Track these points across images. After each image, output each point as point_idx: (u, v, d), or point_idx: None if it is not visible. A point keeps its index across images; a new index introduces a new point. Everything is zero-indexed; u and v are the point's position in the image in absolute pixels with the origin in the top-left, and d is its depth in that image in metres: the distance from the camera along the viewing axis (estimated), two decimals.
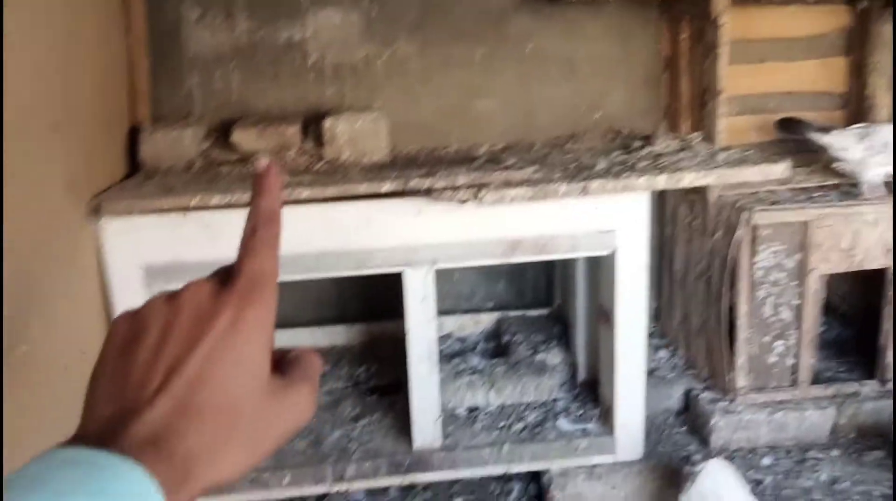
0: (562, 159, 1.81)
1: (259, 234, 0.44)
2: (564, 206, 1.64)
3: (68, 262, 1.42)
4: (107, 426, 0.37)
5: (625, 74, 2.17)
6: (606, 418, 1.82)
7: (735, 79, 1.99)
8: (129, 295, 1.55)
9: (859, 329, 2.22)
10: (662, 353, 2.20)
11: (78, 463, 0.33)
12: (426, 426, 1.72)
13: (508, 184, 1.55)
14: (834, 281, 2.27)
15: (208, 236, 1.58)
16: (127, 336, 0.40)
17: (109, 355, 0.40)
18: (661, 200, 2.20)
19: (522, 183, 1.55)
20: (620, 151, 1.81)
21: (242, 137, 1.83)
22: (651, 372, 2.13)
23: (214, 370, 0.38)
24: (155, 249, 1.55)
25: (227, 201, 1.53)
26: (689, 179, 1.57)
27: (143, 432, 0.36)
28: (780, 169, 1.56)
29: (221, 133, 1.92)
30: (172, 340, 0.39)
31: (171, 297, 0.41)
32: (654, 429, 1.99)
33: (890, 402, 1.93)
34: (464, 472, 1.74)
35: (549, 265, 2.32)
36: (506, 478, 1.81)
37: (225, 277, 0.43)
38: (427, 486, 1.77)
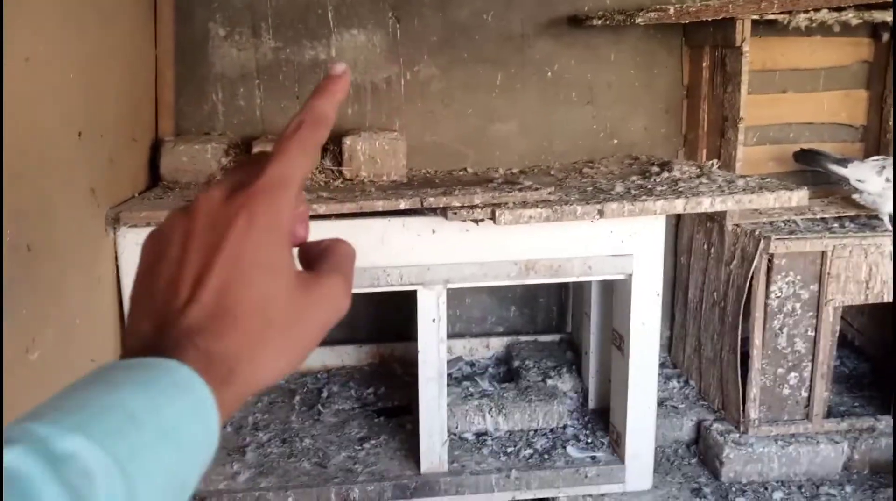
0: (579, 183, 1.81)
1: (300, 134, 0.43)
2: (580, 228, 1.64)
3: (86, 270, 1.44)
4: (145, 340, 0.38)
5: (645, 101, 2.18)
6: (617, 446, 1.80)
7: (755, 108, 2.00)
8: None
9: (875, 363, 2.19)
10: (674, 383, 2.18)
11: (126, 367, 0.35)
12: (433, 450, 1.70)
13: (525, 204, 1.56)
14: (849, 313, 2.24)
15: None
16: (153, 255, 0.41)
17: (141, 276, 0.41)
18: (676, 228, 2.19)
19: (539, 204, 1.55)
20: (638, 177, 1.81)
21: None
22: (662, 402, 2.10)
23: (238, 274, 0.38)
24: None
25: None
26: (707, 204, 1.56)
27: (181, 337, 0.37)
28: (799, 196, 1.56)
29: (243, 149, 1.95)
30: (193, 250, 0.39)
31: (187, 208, 0.41)
32: (664, 460, 1.96)
33: None
34: (470, 498, 1.71)
35: (561, 291, 2.31)
36: None
37: (250, 173, 0.42)
38: None
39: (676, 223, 2.18)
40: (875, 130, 2.18)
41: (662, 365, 2.27)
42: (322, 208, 1.56)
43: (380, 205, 1.57)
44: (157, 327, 0.38)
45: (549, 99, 2.16)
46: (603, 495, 1.75)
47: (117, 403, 0.32)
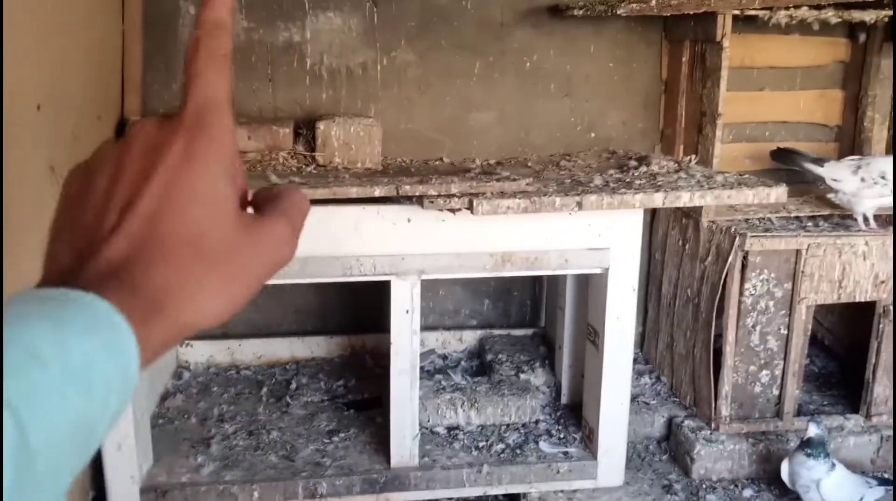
0: (557, 175, 1.79)
1: (202, 50, 0.39)
2: (557, 221, 1.61)
3: (43, 253, 1.37)
4: (65, 271, 0.35)
5: (623, 95, 2.16)
6: (589, 442, 1.78)
7: (733, 105, 1.99)
8: None
9: (844, 362, 2.21)
10: (646, 378, 2.17)
11: (38, 299, 0.32)
12: (404, 444, 1.67)
13: (503, 195, 1.52)
14: (820, 312, 2.26)
15: None
16: (79, 186, 0.38)
17: (64, 208, 0.38)
18: (651, 223, 2.18)
19: (517, 194, 1.52)
20: (616, 170, 1.80)
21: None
22: (634, 398, 2.09)
23: (171, 203, 0.36)
24: None
25: None
26: (686, 199, 1.55)
27: (102, 268, 0.34)
28: (777, 193, 1.55)
29: None
30: (123, 178, 0.36)
31: (119, 139, 0.39)
32: (635, 456, 1.95)
33: (874, 436, 1.91)
34: (440, 493, 1.68)
35: (535, 284, 2.29)
36: (484, 500, 1.76)
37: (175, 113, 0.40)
38: None
39: (651, 219, 2.17)
40: (850, 131, 2.19)
41: (634, 361, 2.25)
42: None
43: (354, 191, 1.52)
44: (78, 257, 0.35)
45: (527, 89, 2.13)
46: (575, 491, 1.73)
47: (18, 338, 0.29)
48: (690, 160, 1.86)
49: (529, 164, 2.00)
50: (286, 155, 1.86)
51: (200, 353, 2.13)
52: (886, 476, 1.87)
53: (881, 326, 1.86)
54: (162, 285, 0.34)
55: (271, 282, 1.42)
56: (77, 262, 0.35)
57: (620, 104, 2.17)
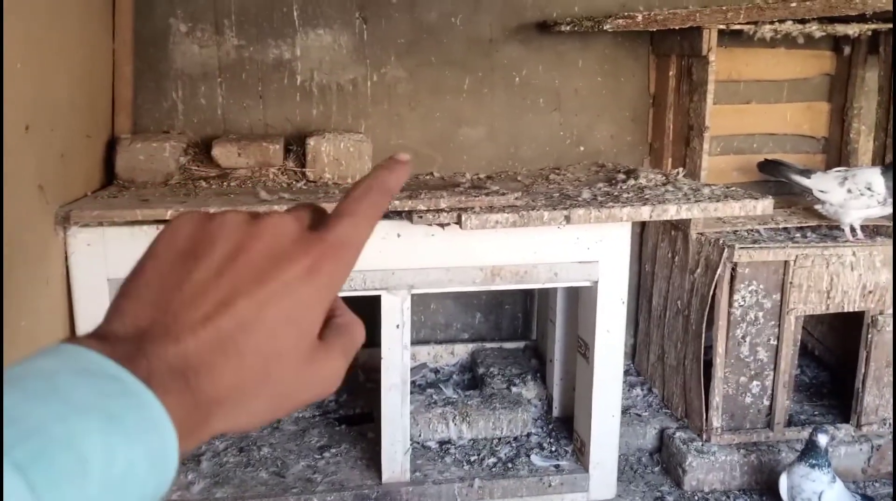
0: (546, 189, 1.80)
1: (370, 198, 0.39)
2: (546, 235, 1.62)
3: (34, 270, 1.38)
4: (137, 339, 0.33)
5: (611, 109, 2.18)
6: (580, 454, 1.79)
7: (720, 118, 2.01)
8: (93, 308, 1.50)
9: (835, 372, 2.22)
10: (637, 390, 2.18)
11: (96, 376, 0.30)
12: (395, 459, 1.67)
13: (492, 209, 1.53)
14: (809, 323, 2.27)
15: None
16: (190, 241, 0.36)
17: (163, 254, 0.36)
18: (640, 236, 2.19)
19: (506, 209, 1.53)
20: (604, 184, 1.81)
21: (222, 153, 1.81)
22: (625, 410, 2.10)
23: (269, 317, 0.34)
24: (124, 262, 1.50)
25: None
26: (673, 212, 1.56)
27: (176, 361, 0.32)
28: (764, 205, 1.56)
29: (202, 148, 1.90)
30: (238, 267, 0.35)
31: (253, 219, 0.37)
32: (627, 468, 1.96)
33: (865, 446, 1.91)
34: None
35: (526, 298, 2.29)
36: None
37: (313, 220, 0.39)
38: None
39: (641, 231, 2.18)
40: (836, 142, 2.22)
41: (626, 373, 2.26)
42: (282, 209, 1.52)
43: None
44: (155, 330, 0.33)
45: (516, 104, 2.15)
46: None
47: (71, 433, 0.28)
48: (678, 173, 1.88)
49: (519, 178, 2.01)
50: (276, 171, 1.87)
51: None
52: (869, 493, 1.87)
53: (870, 336, 1.87)
54: (222, 396, 0.33)
55: None
56: (152, 332, 0.33)
57: (609, 118, 2.19)
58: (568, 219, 1.51)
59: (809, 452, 1.64)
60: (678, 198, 1.63)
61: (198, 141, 1.93)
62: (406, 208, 1.54)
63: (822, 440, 1.62)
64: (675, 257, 2.01)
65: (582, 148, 2.20)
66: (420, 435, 1.83)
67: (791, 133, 2.25)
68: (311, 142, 1.82)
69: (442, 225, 1.57)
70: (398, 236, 1.59)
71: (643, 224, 2.16)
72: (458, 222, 1.52)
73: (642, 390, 2.18)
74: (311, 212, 0.40)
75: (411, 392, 1.73)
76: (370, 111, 2.09)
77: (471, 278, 1.64)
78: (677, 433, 1.95)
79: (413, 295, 1.64)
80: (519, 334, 2.33)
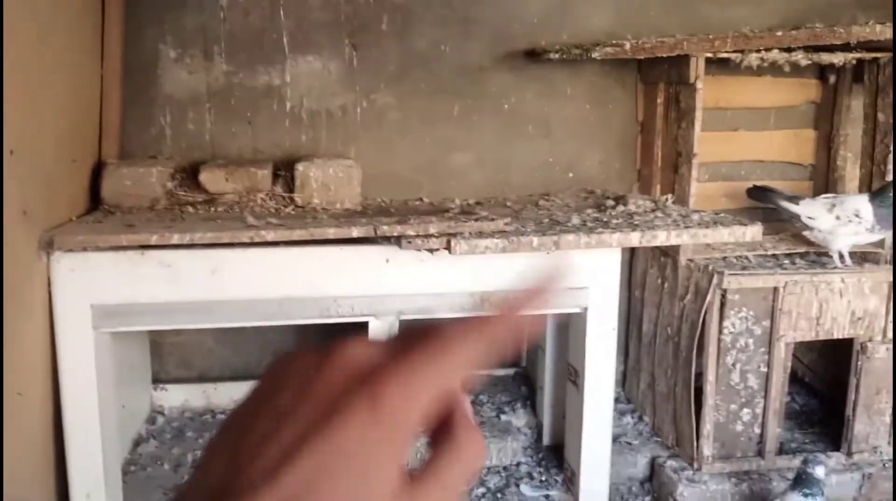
0: (535, 215, 1.80)
1: (490, 329, 0.34)
2: (535, 261, 1.61)
3: (16, 297, 1.35)
4: (210, 498, 0.31)
5: (600, 136, 2.19)
6: (571, 484, 1.76)
7: (707, 145, 2.01)
8: (75, 336, 1.47)
9: (825, 400, 2.21)
10: (628, 418, 2.16)
11: None
12: None
13: (481, 235, 1.53)
14: (799, 350, 2.26)
15: (167, 276, 1.52)
16: (267, 388, 0.33)
17: (247, 400, 0.33)
18: (630, 263, 2.19)
19: (495, 234, 1.52)
20: (594, 210, 1.81)
21: (210, 178, 1.79)
22: (616, 438, 2.07)
23: (333, 468, 0.30)
24: (108, 288, 1.49)
25: (190, 240, 1.48)
26: (662, 238, 1.56)
27: None
28: (753, 232, 1.57)
29: (189, 173, 1.88)
30: (302, 412, 0.31)
31: (325, 353, 0.34)
32: (618, 497, 1.93)
33: (856, 474, 1.90)
34: None
35: None
36: None
37: (393, 352, 0.34)
38: None
39: (630, 258, 2.18)
40: (823, 169, 2.23)
41: (616, 400, 2.25)
42: (270, 235, 1.51)
43: (331, 232, 1.52)
44: (221, 481, 0.30)
45: (505, 131, 2.15)
46: None
47: None
48: (667, 199, 1.88)
49: (508, 204, 2.01)
50: (264, 196, 1.86)
51: (175, 397, 2.09)
52: None
53: (859, 363, 1.86)
54: None
55: (247, 325, 1.40)
56: (218, 492, 0.30)
57: (598, 145, 2.20)
58: (557, 245, 1.51)
59: (803, 481, 1.63)
60: (667, 224, 1.63)
61: (185, 166, 1.92)
62: (395, 234, 1.53)
63: (819, 470, 1.61)
64: (665, 283, 2.00)
65: (571, 174, 2.20)
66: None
67: (778, 160, 2.27)
68: (299, 167, 1.82)
69: (431, 250, 1.56)
70: (387, 261, 1.58)
71: (632, 251, 2.16)
72: (448, 248, 1.51)
73: (633, 418, 2.16)
74: (394, 342, 0.35)
75: None
76: (360, 137, 2.09)
77: (460, 303, 1.62)
78: (668, 462, 1.93)
79: (401, 321, 1.62)
80: (509, 361, 2.31)
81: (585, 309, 1.66)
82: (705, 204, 2.06)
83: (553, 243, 1.51)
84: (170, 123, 2.02)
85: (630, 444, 2.04)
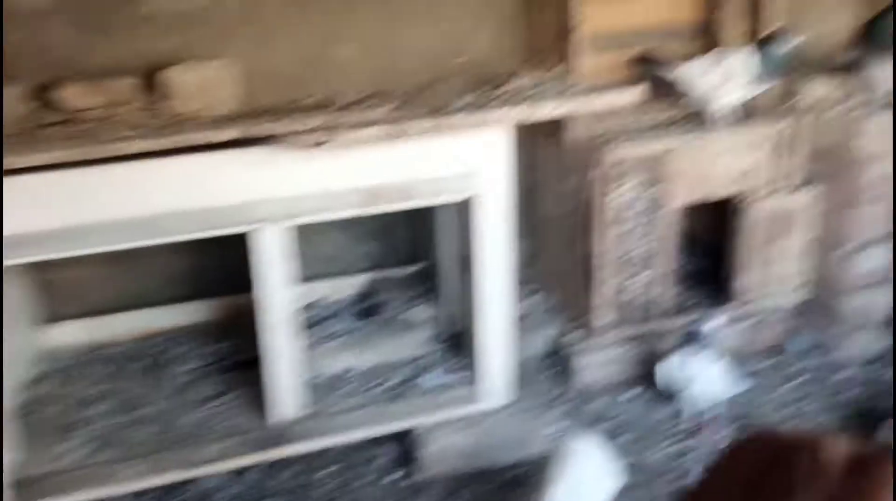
0: (421, 101, 1.73)
1: None
2: (423, 148, 1.56)
3: None
4: None
5: (488, 13, 2.10)
6: (474, 368, 1.79)
7: (596, 15, 1.96)
8: None
9: (717, 260, 2.28)
10: (533, 299, 2.19)
11: None
12: (286, 398, 1.62)
13: (361, 124, 1.46)
14: (696, 214, 2.33)
15: (30, 203, 1.41)
16: (756, 474, 0.31)
17: (721, 483, 0.31)
18: (525, 145, 2.17)
19: (375, 123, 1.46)
20: (482, 90, 1.75)
21: (70, 94, 1.65)
22: (522, 319, 2.11)
23: None
24: None
25: (51, 160, 1.37)
26: (545, 110, 1.53)
27: None
28: (633, 94, 1.55)
29: (47, 92, 1.73)
30: None
31: (853, 464, 0.30)
32: (524, 374, 1.98)
33: (745, 324, 1.99)
34: (329, 440, 1.65)
35: (419, 220, 2.25)
36: (375, 442, 1.75)
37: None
38: (290, 461, 1.68)
39: (525, 140, 2.15)
40: (711, 30, 2.20)
41: (523, 282, 2.28)
42: (134, 147, 1.41)
43: (199, 138, 1.43)
44: None
45: (391, 17, 2.03)
46: (462, 417, 1.74)
47: None
48: (554, 73, 1.84)
49: (396, 94, 1.93)
50: (133, 109, 1.73)
51: (67, 332, 1.98)
52: (752, 369, 1.96)
53: (739, 218, 1.92)
54: None
55: (132, 247, 1.28)
56: None
57: (486, 23, 2.10)
58: (441, 127, 1.46)
59: (693, 337, 1.70)
60: (552, 97, 1.60)
61: (43, 84, 1.75)
62: (271, 133, 1.45)
63: (703, 326, 1.68)
64: (557, 161, 2.00)
65: (461, 57, 2.12)
66: (314, 370, 1.79)
67: (666, 25, 2.23)
68: (168, 73, 1.68)
69: (312, 147, 1.49)
70: (264, 164, 1.50)
71: (525, 133, 2.13)
72: (328, 142, 1.44)
73: (537, 297, 2.20)
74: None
75: (307, 328, 1.68)
76: (236, 36, 1.94)
77: (349, 202, 1.57)
78: (568, 336, 1.98)
79: (295, 228, 1.56)
80: (414, 257, 2.29)
81: (478, 194, 1.64)
82: (596, 77, 2.02)
83: (434, 124, 1.46)
84: (22, 40, 1.82)
85: (534, 323, 2.08)
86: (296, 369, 1.62)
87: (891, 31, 1.90)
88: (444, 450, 1.70)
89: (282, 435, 1.62)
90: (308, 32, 1.98)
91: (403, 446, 1.74)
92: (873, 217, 1.95)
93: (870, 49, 1.94)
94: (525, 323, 2.08)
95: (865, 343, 2.03)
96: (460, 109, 1.54)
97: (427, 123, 1.45)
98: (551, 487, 1.32)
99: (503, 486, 1.67)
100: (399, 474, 1.72)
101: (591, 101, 1.55)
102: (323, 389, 1.76)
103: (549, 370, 2.00)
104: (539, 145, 2.12)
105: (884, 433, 1.64)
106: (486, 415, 1.75)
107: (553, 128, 1.97)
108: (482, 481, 1.70)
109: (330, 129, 1.44)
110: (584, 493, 1.32)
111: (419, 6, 2.04)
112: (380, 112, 1.52)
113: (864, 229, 1.97)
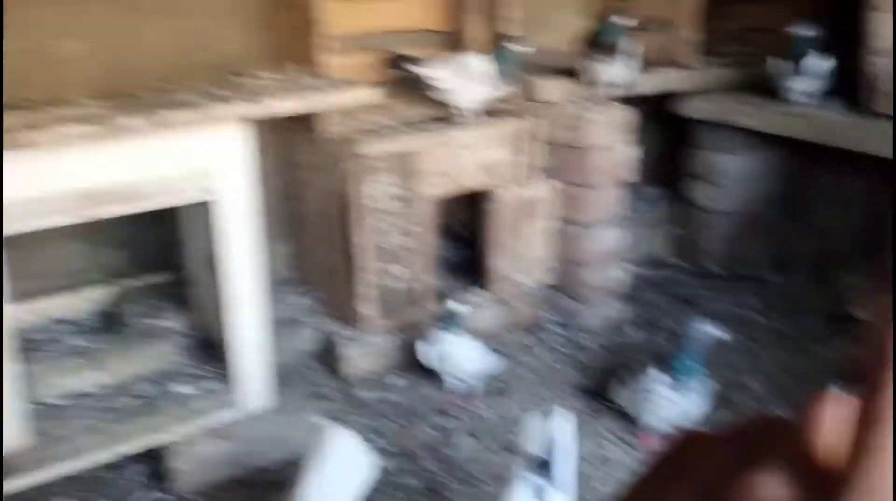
0: (149, 99, 1.62)
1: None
2: (147, 147, 1.46)
3: None
4: None
5: (233, 11, 2.02)
6: (228, 374, 1.71)
7: (343, 15, 1.96)
8: None
9: (476, 249, 2.40)
10: (298, 298, 2.16)
11: None
12: (9, 428, 1.44)
13: (70, 121, 1.33)
14: (451, 206, 2.42)
15: None
16: (664, 463, 0.29)
17: (645, 473, 0.29)
18: (288, 144, 2.12)
19: (84, 120, 1.34)
20: (217, 88, 1.68)
21: None
22: (286, 319, 2.08)
23: None
24: None
25: None
26: (278, 107, 1.50)
27: None
28: (371, 94, 1.57)
29: None
30: None
31: (748, 460, 0.25)
32: (289, 374, 1.95)
33: (498, 307, 2.11)
34: (65, 466, 1.49)
35: (166, 225, 2.10)
36: (122, 462, 1.61)
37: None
38: (25, 496, 1.49)
39: (275, 138, 2.10)
40: (457, 34, 2.30)
41: (287, 282, 2.24)
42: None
43: None
44: None
45: (125, 10, 1.88)
46: (220, 426, 1.66)
47: None
48: (297, 71, 1.81)
49: (124, 91, 1.79)
50: None
51: None
52: (504, 347, 2.08)
53: (489, 208, 2.03)
54: None
55: None
56: None
57: (233, 21, 2.03)
58: (157, 123, 1.37)
59: (446, 319, 1.77)
60: (288, 94, 1.56)
61: None
62: None
63: (452, 306, 1.75)
64: (310, 159, 1.98)
65: (202, 56, 2.02)
66: (46, 394, 1.61)
67: (415, 29, 2.29)
68: None
69: (16, 149, 1.32)
70: None
71: (275, 130, 2.08)
72: (29, 145, 1.29)
73: (302, 296, 2.17)
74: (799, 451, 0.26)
75: (35, 350, 1.51)
76: None
77: (68, 207, 1.43)
78: (336, 331, 1.98)
79: (26, 241, 1.39)
80: (165, 264, 2.14)
81: (217, 195, 1.56)
82: (353, 76, 2.02)
83: (154, 122, 1.37)
84: None
85: (300, 321, 2.05)
86: (17, 394, 1.44)
87: (610, 37, 2.11)
88: (201, 461, 1.61)
89: (9, 468, 1.43)
90: (27, 26, 1.78)
91: (158, 462, 1.62)
92: (603, 200, 2.15)
93: (594, 53, 2.14)
94: (292, 322, 2.04)
95: (606, 312, 2.23)
96: (183, 105, 1.45)
97: (141, 119, 1.35)
98: (304, 481, 1.29)
99: (266, 489, 1.62)
100: (155, 492, 1.60)
101: (328, 97, 1.54)
102: (59, 412, 1.58)
103: (318, 366, 1.98)
104: (297, 143, 2.08)
105: (614, 387, 1.80)
106: (244, 421, 1.68)
107: (308, 126, 1.94)
108: (244, 486, 1.63)
109: (31, 129, 1.30)
110: (337, 484, 1.31)
111: (158, 1, 1.91)
112: (92, 109, 1.39)
113: (597, 211, 2.16)
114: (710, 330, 1.60)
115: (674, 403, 1.64)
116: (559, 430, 1.23)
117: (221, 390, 1.68)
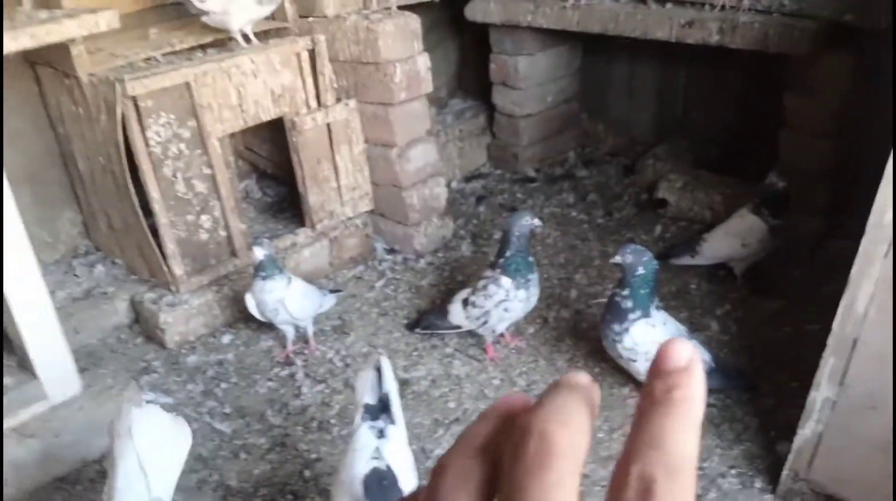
0: None
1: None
2: None
3: None
4: None
5: None
6: (25, 363, 1.51)
7: None
8: None
9: (290, 187, 2.28)
10: (99, 267, 1.95)
11: None
12: None
13: None
14: (254, 143, 2.26)
15: None
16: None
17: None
18: (41, 96, 1.85)
19: None
20: None
21: None
22: (90, 292, 1.87)
23: None
24: None
25: None
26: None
27: None
28: (108, 18, 1.37)
29: None
30: None
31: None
32: (106, 351, 1.77)
33: (323, 242, 2.02)
34: None
35: None
36: None
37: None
38: None
39: (24, 92, 1.83)
40: None
41: (84, 253, 2.01)
42: None
43: None
44: None
45: None
46: (29, 419, 1.47)
47: None
48: (30, 8, 1.56)
49: None
50: None
51: None
52: (337, 284, 2.01)
53: (294, 139, 1.90)
54: None
55: None
56: None
57: None
58: None
59: (258, 266, 1.64)
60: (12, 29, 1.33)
61: None
62: None
63: (258, 252, 1.62)
64: (79, 108, 1.73)
65: None
66: None
67: None
68: None
69: None
70: None
71: (21, 82, 1.81)
72: None
73: (104, 265, 1.96)
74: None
75: None
76: None
77: None
78: (147, 296, 1.81)
79: None
80: None
81: None
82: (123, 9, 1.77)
83: None
84: None
85: (106, 293, 1.86)
86: None
87: None
88: (13, 467, 1.41)
89: None
90: None
91: None
92: (409, 117, 2.07)
93: None
94: (99, 296, 1.84)
95: (433, 231, 2.20)
96: None
97: None
98: (118, 464, 1.16)
99: (96, 480, 1.46)
100: None
101: (52, 30, 1.32)
102: None
103: (136, 338, 1.81)
104: (54, 95, 1.82)
105: (452, 307, 1.78)
106: (53, 413, 1.50)
107: (62, 71, 1.69)
108: (69, 483, 1.46)
109: None
110: (154, 459, 1.18)
111: None
112: None
113: (405, 129, 2.09)
114: (527, 220, 1.61)
115: (521, 302, 1.64)
116: (387, 374, 1.19)
117: (20, 382, 1.47)
